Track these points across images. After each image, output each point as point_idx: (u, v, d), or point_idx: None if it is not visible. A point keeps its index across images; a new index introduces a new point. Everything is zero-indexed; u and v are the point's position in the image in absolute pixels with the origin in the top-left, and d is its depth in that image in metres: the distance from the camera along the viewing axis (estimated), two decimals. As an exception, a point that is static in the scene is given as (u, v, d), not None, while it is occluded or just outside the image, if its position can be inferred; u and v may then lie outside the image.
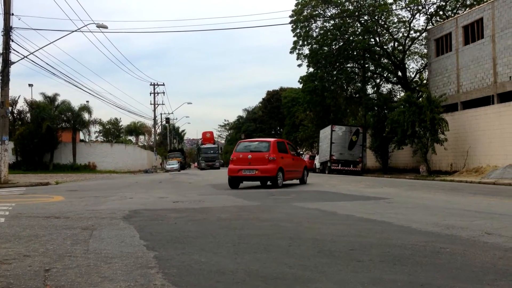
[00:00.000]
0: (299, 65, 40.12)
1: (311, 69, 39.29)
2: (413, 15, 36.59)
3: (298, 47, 38.80)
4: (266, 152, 15.82)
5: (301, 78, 40.70)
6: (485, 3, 27.70)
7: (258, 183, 17.27)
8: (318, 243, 5.11)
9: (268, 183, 16.30)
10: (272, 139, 17.17)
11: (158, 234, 5.89)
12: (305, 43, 38.19)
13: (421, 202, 10.19)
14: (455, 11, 34.84)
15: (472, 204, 9.75)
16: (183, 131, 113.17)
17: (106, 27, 27.38)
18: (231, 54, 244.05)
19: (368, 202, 10.18)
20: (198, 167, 71.98)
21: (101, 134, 71.30)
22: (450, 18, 31.41)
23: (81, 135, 52.62)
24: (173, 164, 59.89)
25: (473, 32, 27.08)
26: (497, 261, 4.20)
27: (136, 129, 77.70)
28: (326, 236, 5.61)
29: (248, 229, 6.20)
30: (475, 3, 33.06)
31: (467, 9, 32.07)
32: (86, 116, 47.62)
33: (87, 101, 55.59)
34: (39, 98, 46.24)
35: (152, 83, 58.99)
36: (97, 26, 27.35)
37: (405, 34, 37.97)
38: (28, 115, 44.86)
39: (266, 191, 13.89)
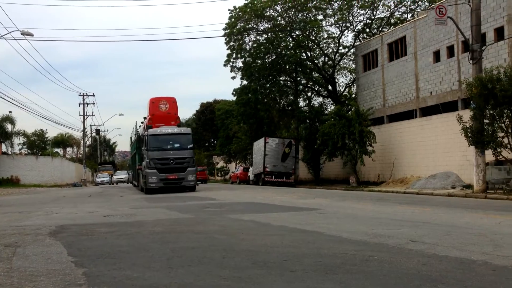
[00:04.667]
0: (233, 78, 40.38)
1: (244, 82, 39.63)
2: (341, 32, 38.00)
3: (232, 59, 39.07)
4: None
5: (235, 90, 40.93)
6: (407, 22, 29.35)
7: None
8: (252, 255, 5.13)
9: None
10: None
11: (88, 249, 5.68)
12: (239, 56, 38.52)
13: (351, 212, 10.52)
14: (380, 29, 36.57)
15: (398, 213, 10.19)
16: (114, 143, 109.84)
17: (31, 35, 26.29)
18: (164, 66, 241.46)
19: (301, 213, 10.37)
20: (135, 183, 33.81)
21: (26, 146, 67.75)
22: (376, 36, 32.92)
23: (3, 148, 49.88)
24: (104, 177, 58.11)
25: (397, 49, 28.54)
26: (421, 268, 4.42)
27: (63, 141, 74.48)
28: (260, 247, 5.65)
29: (182, 242, 6.13)
30: (398, 22, 34.89)
31: (391, 28, 33.76)
32: (9, 127, 45.31)
33: (10, 112, 52.46)
34: (-45, 108, 43.43)
35: (81, 94, 57.04)
36: (22, 34, 26.24)
37: (335, 50, 39.33)
38: None
39: (201, 203, 13.78)
